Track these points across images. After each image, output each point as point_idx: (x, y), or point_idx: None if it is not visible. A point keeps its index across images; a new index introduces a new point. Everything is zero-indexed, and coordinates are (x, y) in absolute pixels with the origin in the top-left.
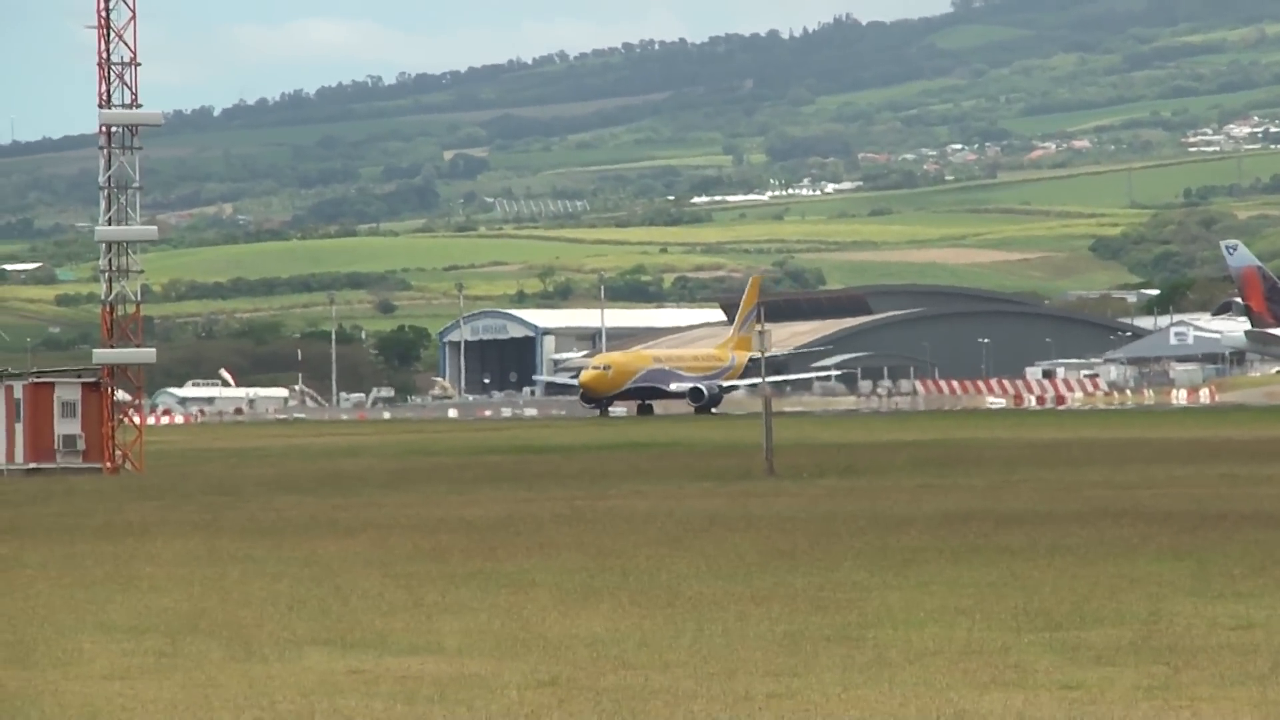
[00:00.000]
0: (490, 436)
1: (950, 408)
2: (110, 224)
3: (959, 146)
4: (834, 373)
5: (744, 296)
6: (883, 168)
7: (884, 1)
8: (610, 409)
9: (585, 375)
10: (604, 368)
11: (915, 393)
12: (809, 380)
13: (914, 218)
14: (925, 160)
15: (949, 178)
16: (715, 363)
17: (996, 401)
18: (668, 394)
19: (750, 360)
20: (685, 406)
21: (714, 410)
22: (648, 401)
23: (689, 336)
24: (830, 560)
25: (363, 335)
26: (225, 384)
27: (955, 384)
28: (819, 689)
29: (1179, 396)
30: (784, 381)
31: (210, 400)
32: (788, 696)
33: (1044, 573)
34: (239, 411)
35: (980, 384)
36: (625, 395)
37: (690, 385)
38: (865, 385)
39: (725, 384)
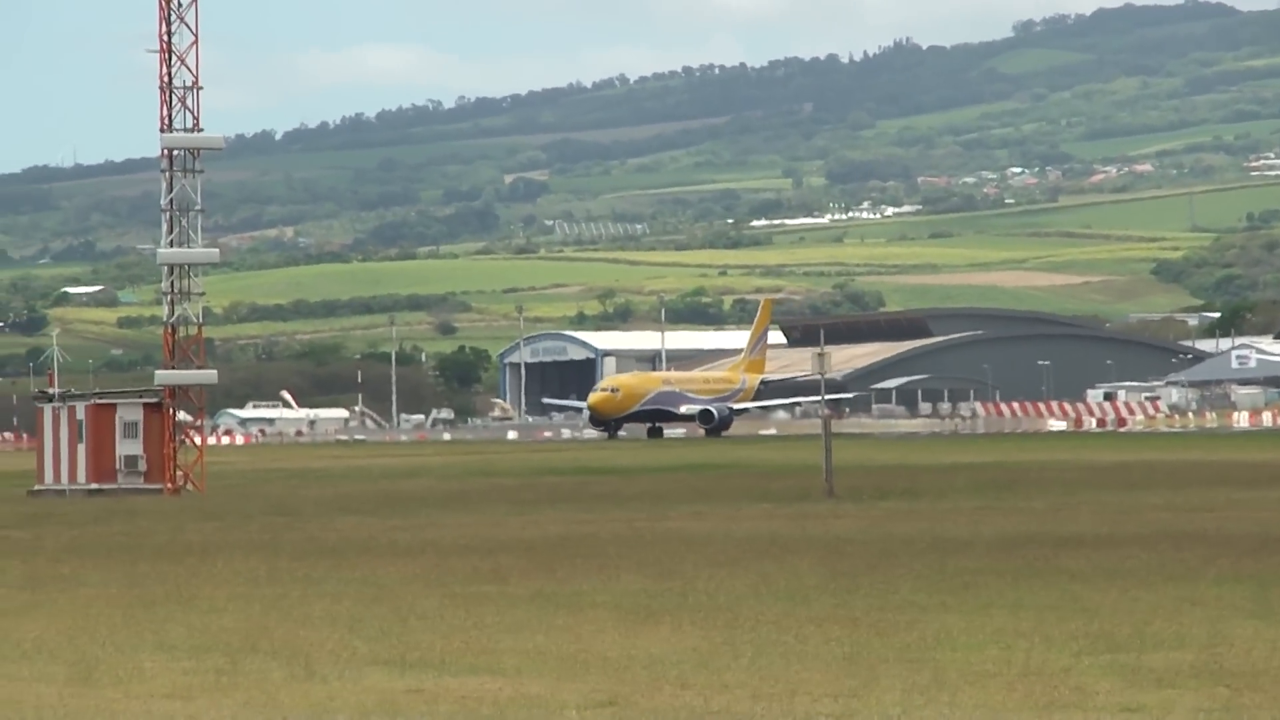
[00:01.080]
0: (550, 458)
1: (1010, 430)
2: (172, 246)
3: (1019, 170)
4: (845, 396)
5: (756, 319)
6: (943, 191)
7: (944, 25)
8: (620, 432)
9: (593, 397)
10: (612, 390)
11: (975, 415)
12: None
13: (974, 241)
14: (985, 184)
15: (1009, 201)
16: (726, 385)
17: (1057, 424)
18: (677, 416)
19: (762, 383)
20: (695, 429)
21: (724, 433)
22: (657, 424)
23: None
24: (890, 582)
25: (423, 357)
26: (287, 405)
27: (1016, 406)
28: (878, 710)
29: (1240, 419)
30: (792, 405)
31: (271, 421)
32: (847, 717)
33: (1104, 595)
34: (299, 433)
35: (1041, 406)
36: (634, 417)
37: (700, 408)
38: (925, 407)
39: (736, 406)
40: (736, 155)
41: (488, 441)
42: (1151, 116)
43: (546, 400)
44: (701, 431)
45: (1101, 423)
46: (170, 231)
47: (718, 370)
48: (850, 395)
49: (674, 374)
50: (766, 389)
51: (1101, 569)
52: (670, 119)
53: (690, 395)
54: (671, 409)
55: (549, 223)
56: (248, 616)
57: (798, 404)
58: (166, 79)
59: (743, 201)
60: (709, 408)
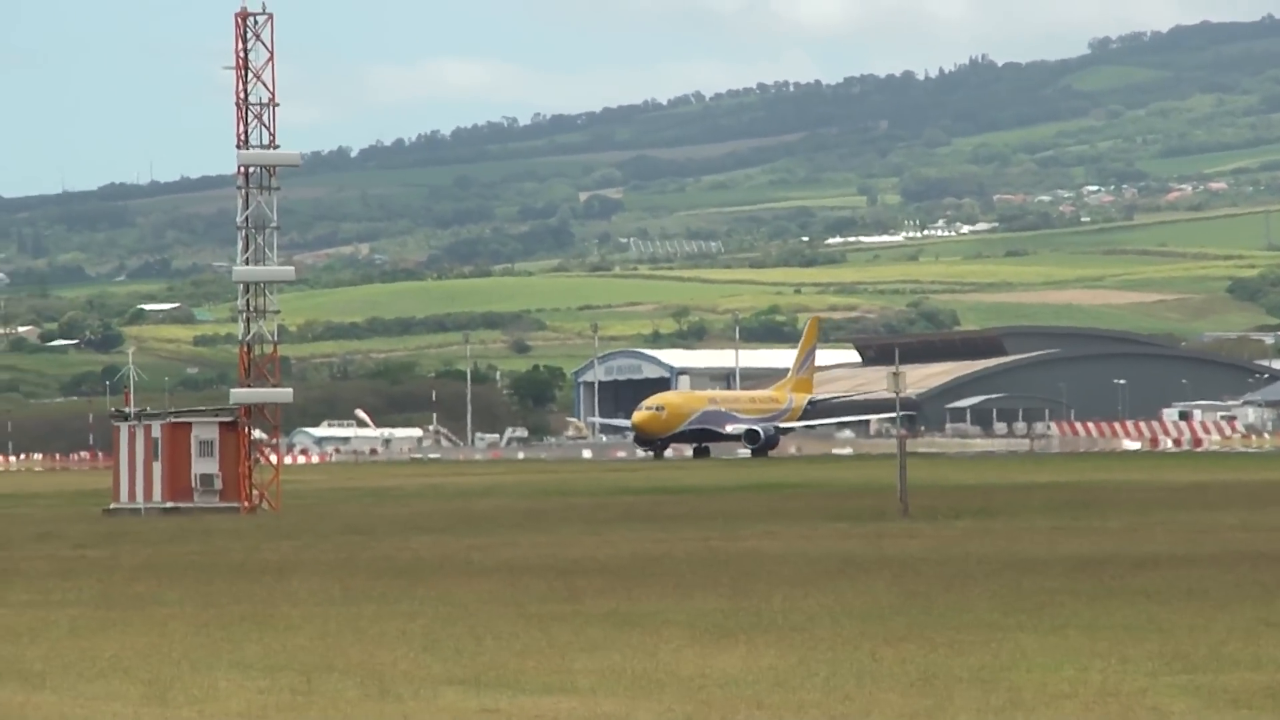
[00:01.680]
0: (624, 477)
1: (1085, 449)
2: (248, 264)
3: (1095, 188)
4: (884, 416)
5: (802, 338)
6: (1018, 209)
7: (1020, 43)
8: (666, 452)
9: (638, 416)
10: (657, 409)
11: (1050, 434)
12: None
13: (1049, 259)
14: (1061, 201)
15: (1085, 219)
16: (773, 405)
17: (1132, 444)
18: (724, 436)
19: (809, 402)
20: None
21: (770, 453)
22: (704, 444)
23: (823, 377)
24: (965, 602)
25: (497, 375)
26: (363, 424)
27: (1091, 426)
28: None
29: None
30: (860, 422)
31: (346, 440)
32: None
33: (1181, 616)
34: (374, 451)
35: (1116, 426)
36: (680, 437)
37: (746, 427)
38: (1000, 427)
39: (782, 426)
40: (811, 172)
41: (562, 460)
42: (1227, 134)
43: (594, 419)
44: (747, 452)
45: (1177, 442)
46: (246, 249)
47: (765, 390)
48: (895, 414)
49: (720, 393)
50: (814, 409)
51: (1178, 589)
52: (745, 136)
53: (736, 415)
54: (717, 428)
55: (624, 240)
56: (323, 635)
57: (867, 421)
58: (243, 96)
59: (817, 219)
60: (755, 427)
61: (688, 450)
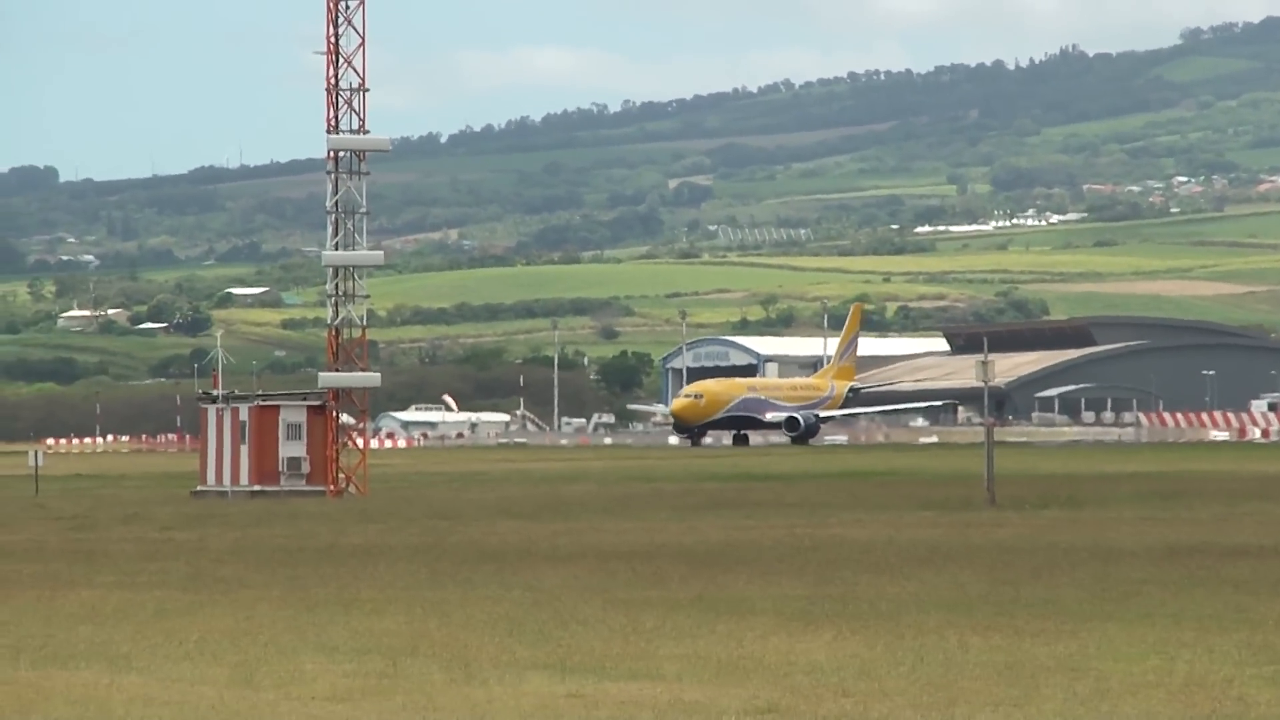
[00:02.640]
0: (710, 464)
1: (1174, 440)
2: (337, 248)
3: (1185, 179)
4: (939, 403)
5: (846, 325)
6: (1108, 199)
7: (1111, 33)
8: (704, 439)
9: (677, 404)
10: (696, 396)
11: (1139, 424)
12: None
13: (1139, 249)
14: (1151, 192)
15: (1175, 210)
16: (814, 392)
17: (1220, 434)
18: (763, 424)
19: (850, 390)
20: (781, 436)
21: (810, 441)
22: (743, 431)
23: (911, 365)
24: (1052, 591)
25: (585, 361)
26: (449, 409)
27: (1179, 416)
28: (1039, 719)
29: None
30: (897, 411)
31: (433, 424)
32: None
33: (1269, 606)
34: (461, 436)
35: (1204, 417)
36: (719, 424)
37: (786, 415)
38: (1088, 416)
39: (823, 414)
40: (901, 161)
41: (648, 446)
42: None
43: (631, 406)
44: (787, 439)
45: (1265, 434)
46: (335, 233)
47: (807, 378)
48: (939, 404)
49: (760, 380)
50: (856, 396)
51: (1266, 580)
52: (835, 124)
53: (776, 402)
54: (757, 416)
55: (712, 228)
56: (409, 619)
57: (914, 409)
58: (333, 80)
59: (907, 207)
60: (795, 415)
61: (726, 439)
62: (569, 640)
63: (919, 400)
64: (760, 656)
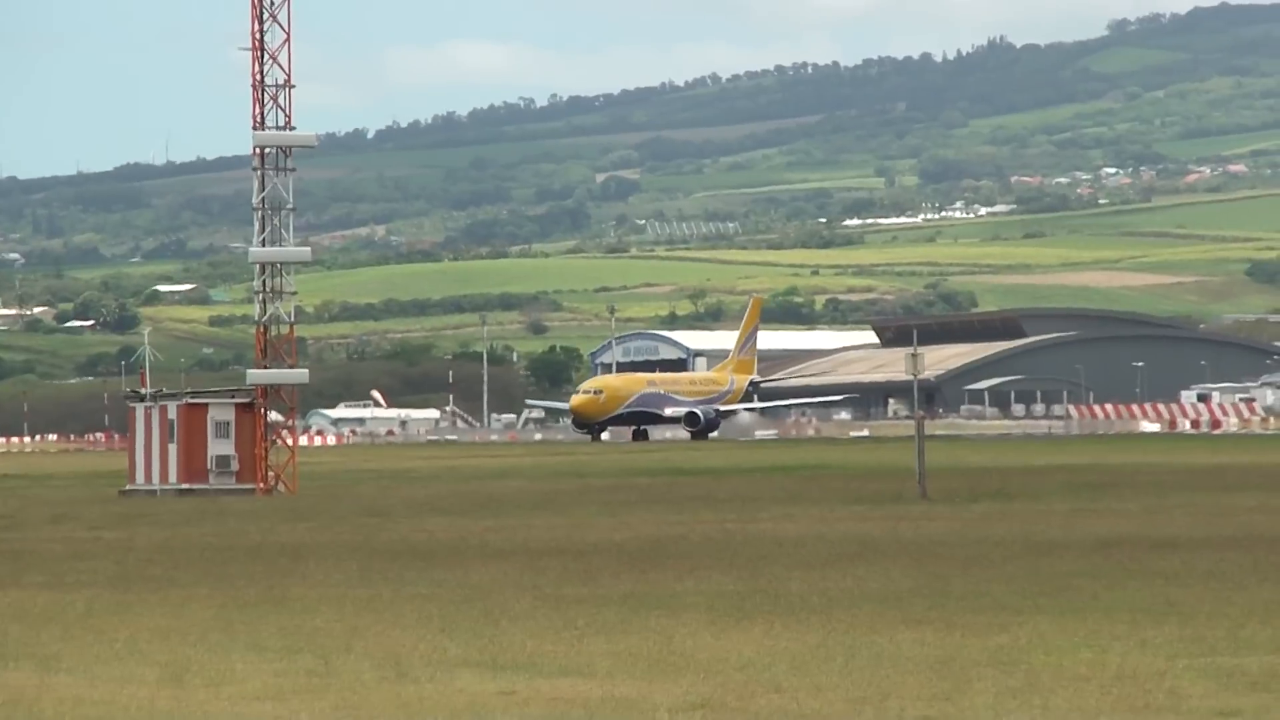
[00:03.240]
0: (640, 459)
1: (1104, 432)
2: (264, 245)
3: (1113, 170)
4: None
5: (745, 318)
6: (1036, 191)
7: (1038, 24)
8: (603, 435)
9: (576, 400)
10: (595, 392)
11: (1069, 417)
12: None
13: (1067, 241)
14: (1079, 184)
15: (1103, 201)
16: (714, 386)
17: (1151, 426)
18: (663, 419)
19: (750, 384)
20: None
21: (710, 436)
22: (643, 427)
23: (841, 359)
24: (983, 585)
25: (514, 356)
26: (378, 405)
27: (1109, 408)
28: (971, 713)
29: None
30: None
31: (362, 421)
32: None
33: (1199, 598)
34: (390, 433)
35: (1134, 408)
36: (619, 420)
37: (686, 410)
38: (1018, 408)
39: (723, 408)
40: (829, 154)
41: (578, 442)
42: (1246, 116)
43: (530, 402)
44: (687, 435)
45: (1196, 425)
46: (262, 230)
47: (705, 372)
48: (838, 399)
49: (659, 375)
50: (756, 391)
51: (1196, 572)
52: (763, 118)
53: (676, 397)
54: (657, 411)
55: (641, 222)
56: (340, 617)
57: (820, 404)
58: (259, 77)
59: (835, 200)
60: (695, 410)
61: (625, 434)
62: (500, 637)
63: (817, 395)
64: (692, 652)
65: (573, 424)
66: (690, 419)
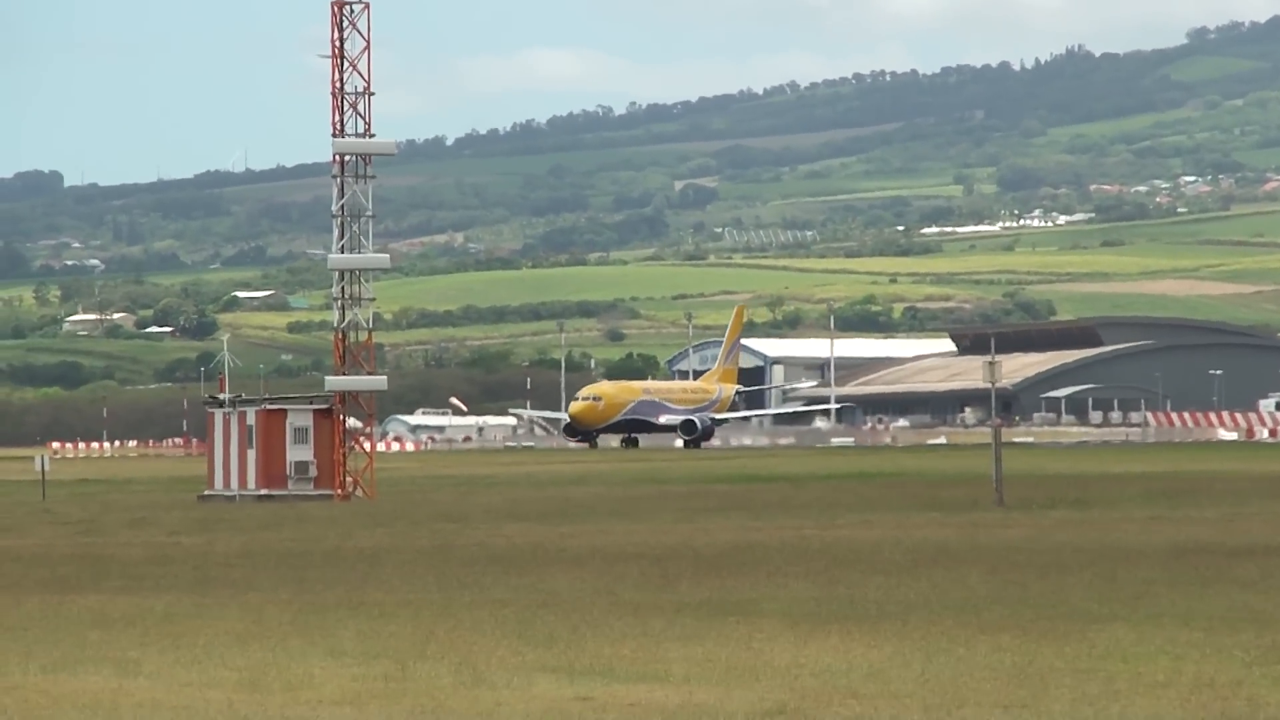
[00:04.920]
0: (718, 465)
1: (1181, 440)
2: (343, 252)
3: (1192, 178)
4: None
5: (730, 327)
6: (1115, 199)
7: (1117, 33)
8: (598, 441)
9: (575, 407)
10: (595, 399)
11: (1146, 424)
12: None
13: (1146, 249)
14: (1157, 192)
15: (1181, 210)
16: (704, 395)
17: (1228, 434)
18: (658, 427)
19: (736, 393)
20: (674, 439)
21: (704, 444)
22: (633, 435)
23: (918, 366)
24: (1060, 592)
25: (592, 363)
26: (458, 411)
27: (1186, 416)
28: None
29: None
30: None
31: (440, 428)
32: None
33: (1277, 606)
34: (468, 439)
35: (1212, 416)
36: (615, 428)
37: (682, 418)
38: (1095, 416)
39: (718, 416)
40: (907, 162)
41: (655, 449)
42: None
43: (519, 411)
44: (680, 443)
45: (1273, 433)
46: (341, 237)
47: (695, 381)
48: (817, 409)
49: (654, 383)
50: (743, 400)
51: (1275, 580)
52: (841, 126)
53: (670, 405)
54: (651, 419)
55: (718, 229)
56: (417, 623)
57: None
58: (338, 84)
59: (913, 208)
60: (692, 418)
61: (614, 442)
62: (577, 643)
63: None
64: (769, 658)
65: (563, 431)
66: (687, 426)
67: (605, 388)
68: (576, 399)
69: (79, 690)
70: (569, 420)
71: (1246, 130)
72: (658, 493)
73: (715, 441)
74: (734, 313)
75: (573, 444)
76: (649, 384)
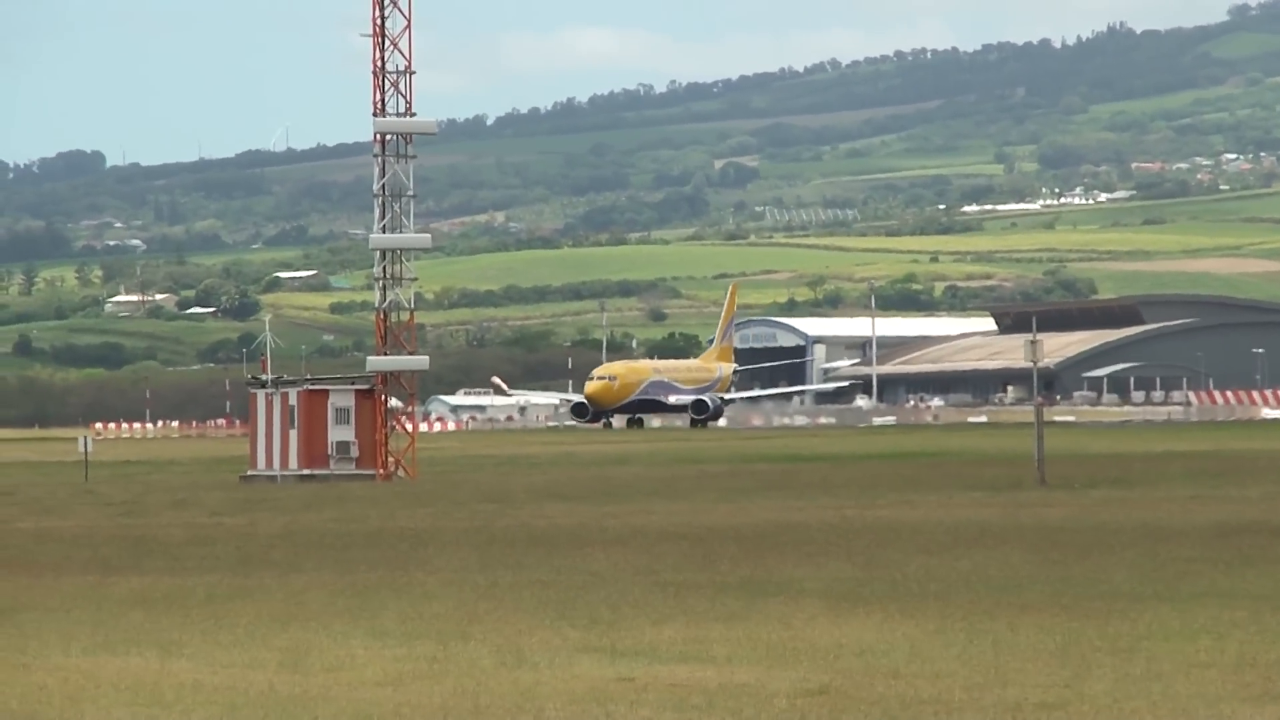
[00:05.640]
0: (759, 445)
1: (1224, 418)
2: (384, 231)
3: (1234, 156)
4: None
5: (725, 306)
6: (1156, 177)
7: (1158, 9)
8: (612, 421)
9: (591, 387)
10: (611, 379)
11: (1188, 403)
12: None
13: (1187, 227)
14: (1199, 170)
15: (1223, 187)
16: (707, 375)
17: (1271, 412)
18: (667, 407)
19: (734, 373)
20: (680, 419)
21: (712, 424)
22: (638, 415)
23: (959, 345)
24: (1102, 571)
25: (633, 343)
26: (500, 391)
27: (1229, 395)
28: (1090, 700)
29: None
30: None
31: (482, 407)
32: (1058, 707)
33: None
34: (510, 419)
35: (1254, 395)
36: (627, 408)
37: (693, 398)
38: (1138, 395)
39: (727, 396)
40: (948, 140)
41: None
42: None
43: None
44: (688, 421)
45: None
46: (382, 216)
47: (696, 360)
48: (801, 389)
49: (662, 363)
50: (738, 379)
51: None
52: (881, 104)
53: (678, 385)
54: (661, 399)
55: (759, 208)
56: (459, 603)
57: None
58: (379, 63)
59: (954, 187)
60: (703, 398)
61: (619, 421)
62: (619, 623)
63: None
64: (810, 638)
65: (572, 411)
66: (698, 406)
67: (618, 367)
68: (591, 379)
69: (121, 671)
70: (580, 401)
71: None
72: (697, 473)
73: (722, 422)
74: (729, 291)
75: (580, 425)
76: (658, 363)
